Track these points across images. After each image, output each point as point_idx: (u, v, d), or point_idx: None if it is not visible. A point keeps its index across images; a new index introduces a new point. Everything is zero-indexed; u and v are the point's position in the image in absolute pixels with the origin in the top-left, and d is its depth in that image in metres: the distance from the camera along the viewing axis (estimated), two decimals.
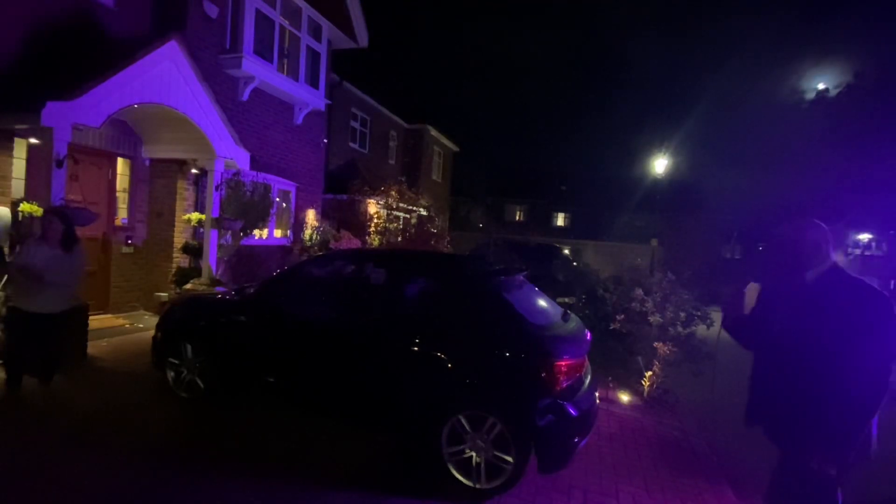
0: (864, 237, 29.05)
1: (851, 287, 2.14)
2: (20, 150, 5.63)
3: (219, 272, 7.37)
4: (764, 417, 2.35)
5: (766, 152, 20.99)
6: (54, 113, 4.82)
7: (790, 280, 2.30)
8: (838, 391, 2.02)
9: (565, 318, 3.96)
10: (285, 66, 9.63)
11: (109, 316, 6.94)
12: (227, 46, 8.21)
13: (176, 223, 7.51)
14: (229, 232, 7.45)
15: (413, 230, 12.02)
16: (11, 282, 4.26)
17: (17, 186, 5.61)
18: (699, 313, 5.53)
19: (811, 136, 18.89)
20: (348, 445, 3.80)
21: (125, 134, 6.95)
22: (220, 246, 7.31)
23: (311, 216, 10.59)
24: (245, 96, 8.49)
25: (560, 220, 39.92)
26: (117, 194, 7.15)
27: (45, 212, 4.49)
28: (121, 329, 6.54)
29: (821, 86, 20.74)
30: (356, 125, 16.30)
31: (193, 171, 7.57)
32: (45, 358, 4.32)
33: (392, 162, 19.03)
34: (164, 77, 5.92)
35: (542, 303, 4.10)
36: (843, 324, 2.05)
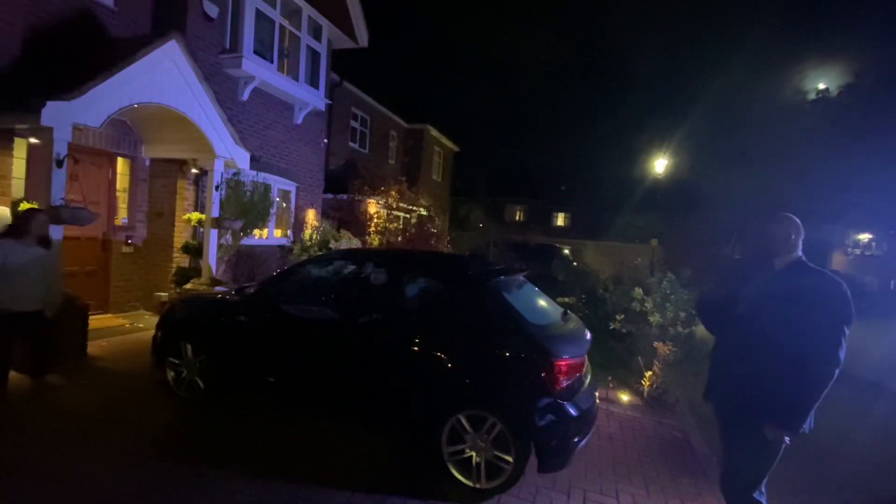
0: (864, 237, 29.04)
1: (814, 274, 2.38)
2: (20, 149, 5.63)
3: (219, 272, 7.37)
4: (722, 392, 2.58)
5: (766, 152, 20.98)
6: (54, 113, 4.82)
7: (759, 266, 2.52)
8: (794, 365, 2.24)
9: (565, 318, 3.96)
10: (285, 66, 9.63)
11: (109, 316, 6.94)
12: (227, 46, 8.22)
13: (176, 223, 7.51)
14: (229, 232, 7.44)
15: (413, 230, 12.03)
16: None
17: (17, 186, 5.61)
18: None
19: (812, 137, 18.88)
20: (348, 445, 3.80)
21: (125, 134, 6.95)
22: (220, 246, 7.31)
23: (311, 216, 10.59)
24: (245, 96, 8.49)
25: (560, 220, 39.92)
26: (117, 194, 7.15)
27: (30, 210, 4.38)
28: (121, 329, 6.54)
29: (822, 86, 20.75)
30: (356, 125, 16.30)
31: (193, 170, 7.57)
32: (35, 356, 4.34)
33: (392, 162, 19.03)
34: (165, 77, 5.92)
35: (542, 303, 4.10)
36: (802, 304, 2.28)
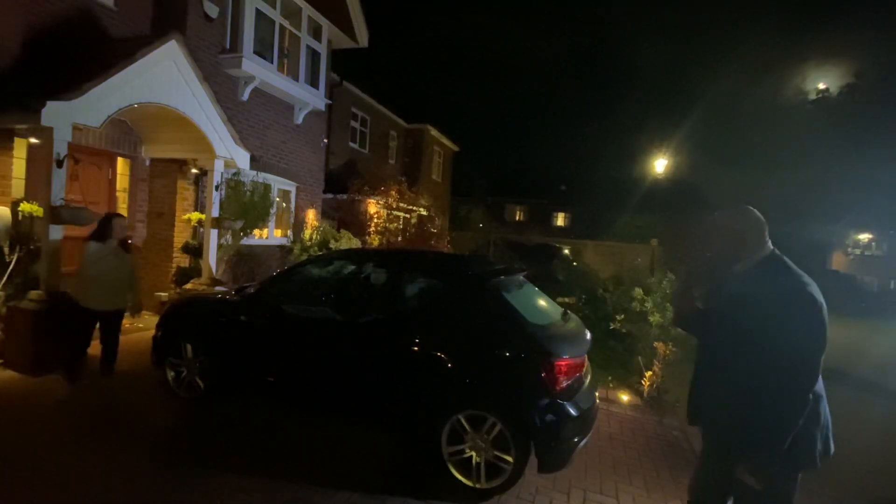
0: (864, 237, 29.06)
1: (780, 281, 1.98)
2: (20, 149, 5.63)
3: (219, 272, 7.36)
4: (701, 415, 2.26)
5: (767, 152, 20.98)
6: (54, 113, 4.82)
7: (723, 270, 2.17)
8: (762, 385, 1.88)
9: (565, 318, 3.96)
10: (285, 66, 9.63)
11: None
12: (227, 46, 8.22)
13: (176, 223, 7.51)
14: (229, 232, 7.44)
15: (413, 230, 12.04)
16: (90, 283, 4.32)
17: (18, 186, 5.61)
18: None
19: (812, 136, 18.89)
20: (348, 445, 3.80)
21: (125, 133, 6.95)
22: (220, 246, 7.31)
23: (311, 216, 10.59)
24: (245, 96, 8.49)
25: (560, 220, 39.91)
26: (117, 194, 7.15)
27: (108, 214, 4.68)
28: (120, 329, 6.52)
29: (822, 86, 20.76)
30: (356, 125, 16.29)
31: (193, 170, 7.57)
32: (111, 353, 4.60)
33: (392, 162, 19.02)
34: (164, 77, 5.91)
35: (542, 303, 4.10)
36: (761, 320, 1.91)
